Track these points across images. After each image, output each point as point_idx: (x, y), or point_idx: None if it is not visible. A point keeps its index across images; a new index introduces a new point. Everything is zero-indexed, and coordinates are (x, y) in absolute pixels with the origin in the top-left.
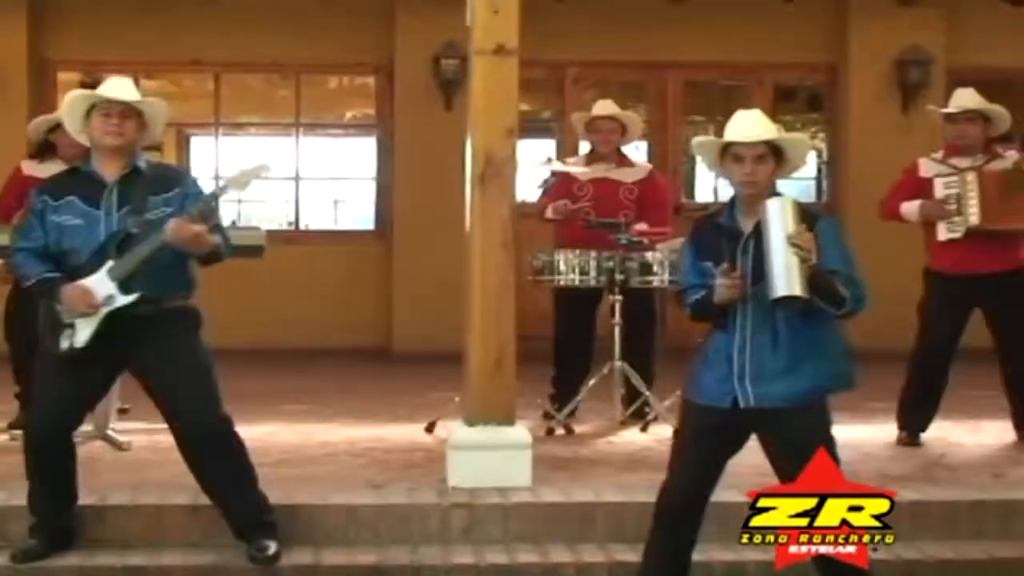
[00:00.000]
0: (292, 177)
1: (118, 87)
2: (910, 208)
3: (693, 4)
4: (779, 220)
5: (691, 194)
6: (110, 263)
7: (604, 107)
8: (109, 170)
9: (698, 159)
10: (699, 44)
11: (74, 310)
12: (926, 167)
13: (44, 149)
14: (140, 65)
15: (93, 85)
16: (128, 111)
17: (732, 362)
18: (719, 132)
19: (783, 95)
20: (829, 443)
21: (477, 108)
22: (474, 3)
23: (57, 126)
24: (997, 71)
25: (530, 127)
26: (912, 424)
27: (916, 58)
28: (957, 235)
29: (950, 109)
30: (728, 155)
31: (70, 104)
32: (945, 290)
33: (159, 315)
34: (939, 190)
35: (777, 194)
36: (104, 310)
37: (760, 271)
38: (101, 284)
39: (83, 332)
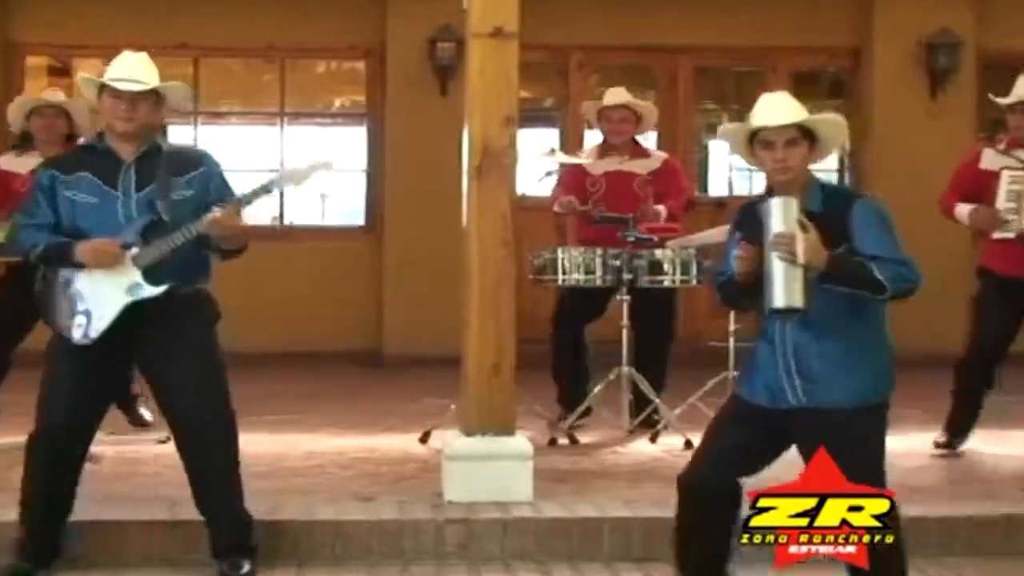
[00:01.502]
0: (276, 170)
1: (126, 69)
2: (961, 212)
3: None
4: (771, 221)
5: (704, 187)
6: (135, 249)
7: (616, 95)
8: (125, 149)
9: (713, 148)
10: (711, 27)
11: (98, 265)
12: (988, 158)
13: (26, 139)
14: (114, 49)
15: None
16: (140, 93)
17: (777, 361)
18: (733, 120)
19: (802, 81)
20: (877, 456)
21: (474, 95)
22: None
23: (32, 111)
24: None
25: (531, 115)
26: (955, 430)
27: (945, 41)
28: (1009, 236)
29: (1008, 100)
30: (757, 142)
31: (82, 85)
32: (997, 290)
33: (175, 302)
34: (1005, 185)
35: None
36: (127, 299)
37: None
38: (125, 271)
39: (101, 321)
